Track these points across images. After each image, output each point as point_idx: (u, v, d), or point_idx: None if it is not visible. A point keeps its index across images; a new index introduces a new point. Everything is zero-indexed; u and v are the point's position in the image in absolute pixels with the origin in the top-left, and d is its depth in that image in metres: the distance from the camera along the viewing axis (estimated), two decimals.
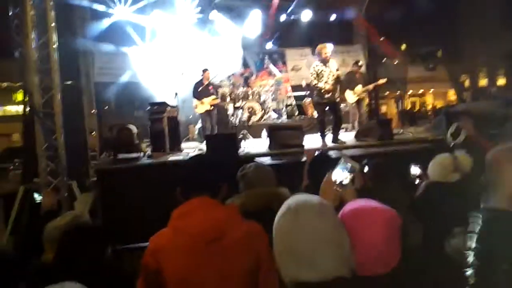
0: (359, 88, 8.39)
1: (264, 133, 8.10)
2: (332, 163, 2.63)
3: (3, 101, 18.81)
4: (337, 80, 6.69)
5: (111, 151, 7.18)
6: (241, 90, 9.80)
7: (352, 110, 8.93)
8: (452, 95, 18.46)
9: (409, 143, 6.97)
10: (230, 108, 9.52)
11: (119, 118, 10.09)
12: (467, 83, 17.26)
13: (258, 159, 5.52)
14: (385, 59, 12.45)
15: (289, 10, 11.33)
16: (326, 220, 1.14)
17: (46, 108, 5.25)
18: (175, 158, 6.79)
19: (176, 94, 7.99)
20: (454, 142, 3.48)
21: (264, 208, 2.10)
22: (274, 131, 6.87)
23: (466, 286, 1.36)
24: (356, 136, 7.31)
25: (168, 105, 7.40)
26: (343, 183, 1.71)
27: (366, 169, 2.55)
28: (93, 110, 9.85)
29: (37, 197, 4.73)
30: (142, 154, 6.95)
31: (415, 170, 2.93)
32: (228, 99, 9.38)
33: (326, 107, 6.84)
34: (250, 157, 5.78)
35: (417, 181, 2.93)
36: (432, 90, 18.84)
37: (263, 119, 9.77)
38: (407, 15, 11.16)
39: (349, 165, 1.72)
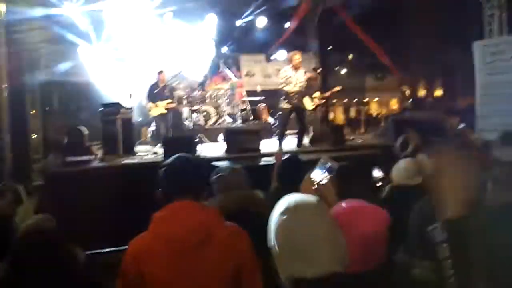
0: (317, 94, 8.57)
1: (221, 136, 8.09)
2: (303, 166, 2.71)
3: None
4: (302, 87, 6.90)
5: (59, 153, 6.82)
6: (196, 93, 9.72)
7: (309, 116, 9.08)
8: (394, 103, 19.56)
9: (360, 149, 7.28)
10: (184, 112, 9.40)
11: (64, 119, 9.61)
12: (407, 93, 18.40)
13: (215, 163, 5.50)
14: (336, 68, 12.92)
15: (244, 16, 11.44)
16: (323, 218, 1.20)
17: None
18: (129, 161, 6.59)
19: (131, 95, 7.76)
20: (403, 153, 3.68)
21: (240, 211, 2.12)
22: (231, 135, 6.90)
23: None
24: (311, 142, 7.51)
25: (122, 107, 7.17)
26: (322, 182, 1.76)
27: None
28: (33, 111, 9.28)
29: None
30: (93, 157, 6.67)
31: (377, 173, 3.08)
32: (184, 102, 9.24)
33: (291, 113, 6.99)
34: (208, 160, 5.74)
35: (378, 184, 3.08)
36: (376, 99, 19.81)
37: (217, 123, 9.75)
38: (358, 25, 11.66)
39: (328, 164, 1.77)
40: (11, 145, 5.36)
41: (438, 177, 1.24)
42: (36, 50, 8.87)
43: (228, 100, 10.30)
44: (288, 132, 7.52)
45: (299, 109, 6.99)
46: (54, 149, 7.37)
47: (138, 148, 7.77)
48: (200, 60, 10.78)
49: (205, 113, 9.66)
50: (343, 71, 13.57)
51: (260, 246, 1.38)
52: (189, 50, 10.66)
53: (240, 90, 10.83)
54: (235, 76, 11.06)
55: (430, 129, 6.63)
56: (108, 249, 4.44)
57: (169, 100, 8.38)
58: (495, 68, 7.48)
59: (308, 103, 8.58)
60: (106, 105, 7.11)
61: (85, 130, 6.82)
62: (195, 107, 9.15)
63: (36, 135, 9.25)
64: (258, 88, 10.73)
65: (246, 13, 11.37)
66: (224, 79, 10.98)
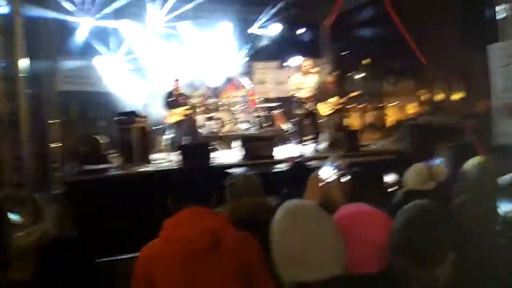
0: (333, 100, 8.46)
1: (235, 144, 8.12)
2: (308, 172, 2.70)
3: None
4: (314, 93, 6.90)
5: (77, 162, 6.96)
6: (211, 101, 9.80)
7: (326, 122, 9.00)
8: (411, 108, 19.28)
9: (375, 155, 7.22)
10: (199, 119, 9.48)
11: (82, 128, 9.79)
12: (424, 97, 18.11)
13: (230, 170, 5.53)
14: (351, 73, 12.84)
15: (257, 23, 11.51)
16: (322, 222, 1.22)
17: (11, 116, 5.02)
18: (145, 169, 6.68)
19: (145, 104, 7.86)
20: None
21: (250, 218, 2.12)
22: (245, 141, 6.92)
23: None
24: (327, 148, 7.47)
25: (137, 115, 7.28)
26: (329, 179, 1.76)
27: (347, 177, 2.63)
28: (55, 120, 9.47)
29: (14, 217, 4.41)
30: (109, 165, 6.78)
31: (389, 178, 3.05)
32: (199, 110, 9.33)
33: (305, 118, 7.01)
34: (224, 167, 5.78)
35: (390, 190, 3.05)
36: (392, 103, 19.59)
37: (232, 130, 9.79)
38: (371, 30, 11.60)
39: (337, 163, 1.77)
40: (30, 154, 5.48)
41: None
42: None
43: (242, 107, 10.35)
44: (305, 138, 7.52)
45: (312, 115, 7.00)
46: (72, 158, 7.52)
47: (154, 156, 7.87)
48: (214, 68, 10.88)
49: (219, 120, 9.72)
50: (359, 76, 13.46)
51: (269, 252, 1.39)
52: (203, 58, 10.78)
53: (253, 98, 10.88)
54: (249, 84, 11.12)
55: (446, 133, 6.57)
56: (124, 256, 4.49)
57: (185, 107, 8.47)
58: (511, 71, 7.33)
59: (324, 109, 8.50)
60: (121, 114, 7.24)
61: (101, 139, 6.95)
62: (209, 115, 9.21)
63: (57, 144, 9.44)
64: (272, 95, 10.75)
65: (260, 20, 11.43)
66: (238, 87, 11.05)
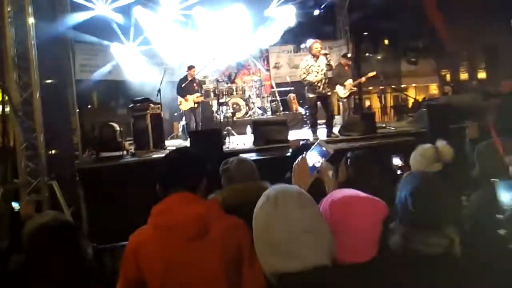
0: (350, 82, 8.31)
1: (249, 129, 8.08)
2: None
3: None
4: (326, 74, 6.76)
5: (94, 149, 7.10)
6: (225, 86, 9.76)
7: (343, 104, 8.85)
8: (434, 89, 18.71)
9: (392, 137, 7.05)
10: (214, 105, 9.46)
11: (102, 116, 9.96)
12: (448, 77, 17.51)
13: (242, 155, 5.51)
14: (368, 53, 12.53)
15: (272, 5, 11.30)
16: (305, 209, 1.14)
17: (25, 106, 5.12)
18: (159, 155, 6.74)
19: (159, 91, 7.89)
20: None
21: (245, 203, 2.09)
22: (258, 126, 6.87)
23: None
24: (340, 131, 7.34)
25: (151, 102, 7.32)
26: (315, 165, 1.70)
27: (348, 162, 2.57)
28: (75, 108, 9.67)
29: (16, 206, 4.58)
30: (125, 152, 6.88)
31: (396, 161, 2.97)
32: (212, 95, 9.31)
33: (317, 101, 6.89)
34: (234, 153, 5.75)
35: (399, 172, 2.97)
36: (414, 84, 19.07)
37: (248, 115, 9.75)
38: (390, 9, 11.23)
39: (323, 149, 1.70)
40: (49, 143, 5.61)
41: None
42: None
43: (257, 92, 10.27)
44: (319, 121, 7.41)
45: (324, 98, 6.87)
46: (89, 146, 7.68)
47: (169, 143, 7.93)
48: (229, 53, 10.80)
49: (234, 105, 9.68)
50: (377, 57, 13.14)
51: None
52: (218, 43, 10.71)
53: (268, 83, 10.77)
54: (263, 68, 11.01)
55: (468, 113, 6.31)
56: None
57: (198, 94, 8.47)
58: None
59: (341, 91, 8.33)
60: (135, 101, 7.30)
61: (116, 127, 7.05)
62: (223, 100, 9.18)
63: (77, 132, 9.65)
64: (288, 79, 10.62)
65: (275, 2, 11.22)
66: (252, 71, 10.95)
